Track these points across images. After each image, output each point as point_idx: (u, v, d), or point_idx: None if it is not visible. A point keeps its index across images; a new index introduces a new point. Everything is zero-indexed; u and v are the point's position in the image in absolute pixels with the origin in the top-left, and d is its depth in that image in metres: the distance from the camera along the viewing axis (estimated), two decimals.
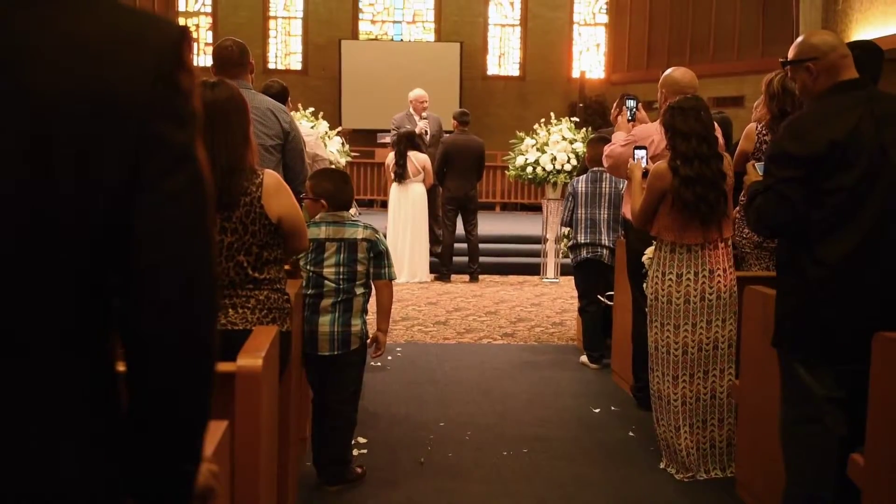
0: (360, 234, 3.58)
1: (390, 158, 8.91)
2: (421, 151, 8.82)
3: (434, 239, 9.41)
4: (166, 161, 1.02)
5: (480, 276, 9.40)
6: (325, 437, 3.67)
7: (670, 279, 3.81)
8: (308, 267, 3.57)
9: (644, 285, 4.24)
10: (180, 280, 1.03)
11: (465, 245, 9.28)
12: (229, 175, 2.72)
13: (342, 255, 3.55)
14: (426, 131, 9.37)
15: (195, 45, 16.48)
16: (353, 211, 5.40)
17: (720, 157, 3.82)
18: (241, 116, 2.77)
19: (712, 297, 3.78)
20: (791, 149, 2.62)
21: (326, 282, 3.55)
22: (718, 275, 3.79)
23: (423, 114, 9.42)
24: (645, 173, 3.99)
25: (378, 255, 3.62)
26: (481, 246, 9.46)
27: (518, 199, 14.95)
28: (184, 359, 1.04)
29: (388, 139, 10.16)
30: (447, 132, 9.42)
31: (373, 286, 3.68)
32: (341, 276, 3.55)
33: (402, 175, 8.80)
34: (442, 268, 9.17)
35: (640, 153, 4.14)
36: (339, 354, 3.58)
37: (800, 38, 2.80)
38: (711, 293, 3.78)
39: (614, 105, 5.17)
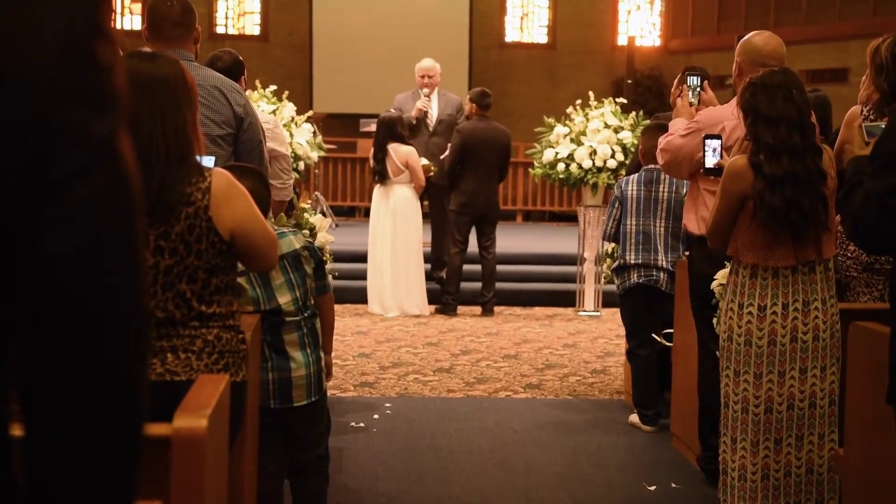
0: (297, 242, 3.67)
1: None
2: (404, 143, 8.84)
3: (437, 259, 9.40)
4: (79, 159, 1.01)
5: (497, 308, 9.40)
6: None
7: (749, 313, 3.79)
8: (262, 306, 3.60)
9: (714, 321, 4.22)
10: (97, 316, 1.02)
11: (476, 267, 9.29)
12: (170, 177, 2.71)
13: (292, 275, 3.63)
14: (426, 112, 9.38)
15: (117, 1, 16.55)
16: (327, 221, 5.41)
17: (818, 151, 3.81)
18: (187, 99, 2.78)
19: (807, 338, 3.77)
20: None
21: (284, 314, 3.61)
22: (816, 307, 3.77)
23: (424, 91, 9.42)
24: (718, 171, 3.98)
25: (319, 265, 3.76)
26: (498, 268, 9.46)
27: (546, 207, 14.97)
28: (99, 422, 1.03)
29: (374, 127, 10.17)
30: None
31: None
32: (299, 303, 3.64)
33: (382, 174, 8.86)
34: (447, 296, 9.17)
35: (714, 144, 4.14)
36: (315, 401, 3.68)
37: None
38: (806, 332, 3.76)
39: (675, 83, 5.17)
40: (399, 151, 8.78)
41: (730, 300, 3.88)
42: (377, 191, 9.01)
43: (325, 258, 4.21)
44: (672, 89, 5.25)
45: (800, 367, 3.78)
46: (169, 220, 2.74)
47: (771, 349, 3.78)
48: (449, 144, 9.18)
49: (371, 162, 8.96)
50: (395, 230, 8.90)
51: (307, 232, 3.80)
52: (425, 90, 9.41)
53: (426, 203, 9.59)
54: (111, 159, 1.03)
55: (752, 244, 3.80)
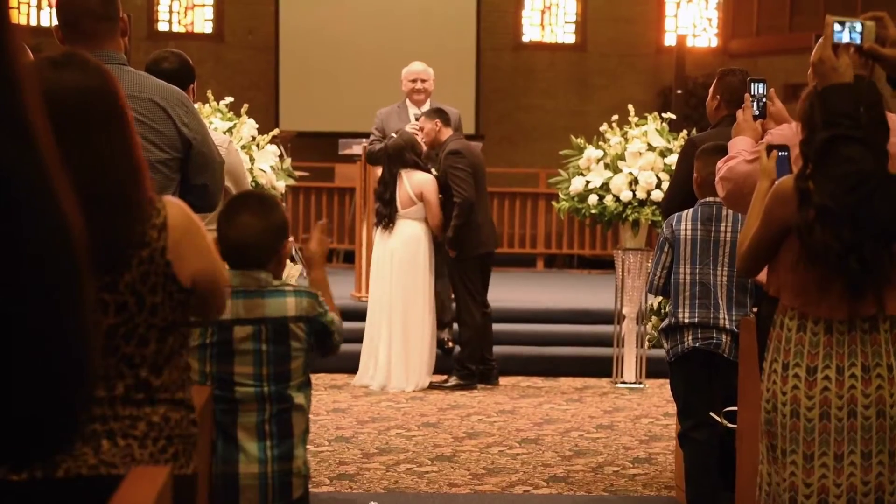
0: (291, 308, 3.63)
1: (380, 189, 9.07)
2: (420, 168, 8.90)
3: (438, 319, 9.42)
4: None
5: (512, 378, 9.44)
6: None
7: (796, 375, 3.80)
8: (207, 367, 3.60)
9: None
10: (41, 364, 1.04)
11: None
12: (115, 216, 2.68)
13: (264, 347, 3.60)
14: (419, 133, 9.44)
15: None
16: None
17: (891, 182, 3.82)
18: (119, 117, 2.76)
19: (869, 413, 3.76)
20: None
21: (240, 388, 3.60)
22: (879, 375, 3.78)
23: (414, 111, 9.44)
24: None
25: (324, 332, 3.71)
26: (512, 327, 9.54)
27: (574, 250, 15.00)
28: None
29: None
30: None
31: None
32: (265, 379, 3.60)
33: (388, 217, 8.85)
34: (491, 363, 9.19)
35: (780, 154, 4.18)
36: None
37: None
38: (868, 405, 3.76)
39: (710, 91, 5.18)
40: (413, 179, 8.81)
41: (773, 359, 3.89)
42: (380, 235, 9.04)
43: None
44: (708, 99, 5.26)
45: (861, 452, 3.77)
46: (117, 267, 2.71)
47: (824, 424, 3.78)
48: (453, 169, 9.05)
49: (376, 203, 9.02)
50: (391, 278, 8.89)
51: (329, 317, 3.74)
52: (416, 107, 9.46)
53: None
54: (41, 199, 1.02)
55: (794, 285, 3.81)
